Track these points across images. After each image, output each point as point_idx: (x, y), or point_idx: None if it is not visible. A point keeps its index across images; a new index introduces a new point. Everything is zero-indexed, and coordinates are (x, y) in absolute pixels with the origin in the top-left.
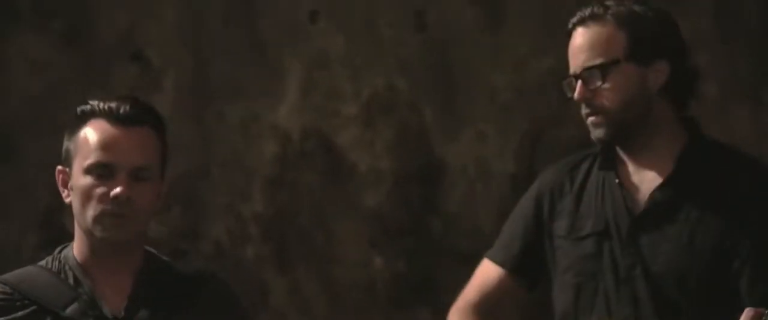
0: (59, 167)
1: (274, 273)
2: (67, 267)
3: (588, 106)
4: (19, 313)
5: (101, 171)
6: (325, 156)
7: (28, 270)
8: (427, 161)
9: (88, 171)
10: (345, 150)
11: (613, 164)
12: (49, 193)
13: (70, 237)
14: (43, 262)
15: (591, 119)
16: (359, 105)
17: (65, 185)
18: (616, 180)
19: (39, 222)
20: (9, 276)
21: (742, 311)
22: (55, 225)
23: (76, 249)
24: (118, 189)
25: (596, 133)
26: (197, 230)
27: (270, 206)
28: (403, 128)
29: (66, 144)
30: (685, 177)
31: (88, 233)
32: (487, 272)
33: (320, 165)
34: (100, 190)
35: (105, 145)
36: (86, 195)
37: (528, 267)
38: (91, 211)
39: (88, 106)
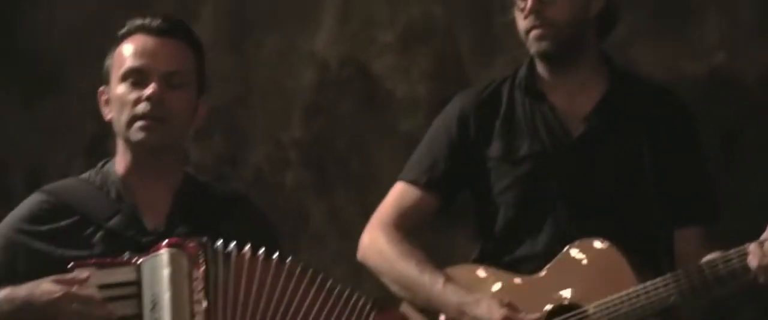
0: (101, 88)
1: (313, 198)
2: (109, 181)
3: (537, 17)
4: (62, 223)
5: (135, 77)
6: (362, 83)
7: (71, 181)
8: (462, 87)
9: (122, 78)
10: (382, 77)
11: (539, 89)
12: (94, 122)
13: None
14: (85, 175)
15: (535, 32)
16: (396, 32)
17: (107, 104)
18: (547, 104)
19: (85, 150)
20: (52, 186)
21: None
22: (101, 153)
23: (118, 163)
24: (149, 90)
25: (540, 46)
26: (237, 157)
27: (308, 132)
28: (439, 55)
29: (106, 63)
30: (614, 101)
31: (127, 142)
32: (404, 193)
33: (357, 92)
34: (134, 95)
35: (138, 53)
36: (122, 102)
37: (448, 188)
38: (127, 116)
39: (126, 27)
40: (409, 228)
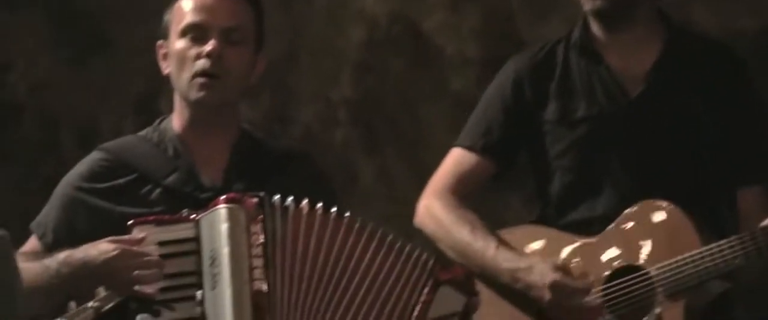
0: (159, 42)
1: (362, 156)
2: (166, 138)
3: None
4: (121, 181)
5: (194, 32)
6: (411, 40)
7: (128, 139)
8: (513, 46)
9: (182, 34)
10: (432, 34)
11: (595, 49)
12: (144, 79)
13: None
14: (142, 133)
15: None
16: None
17: (165, 58)
18: (603, 65)
19: (135, 108)
20: (110, 144)
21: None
22: (150, 111)
23: (176, 120)
24: (209, 46)
25: (595, 4)
26: (287, 115)
27: (358, 90)
28: (490, 12)
29: (165, 18)
30: (672, 60)
31: (185, 98)
32: (460, 158)
33: (407, 50)
34: (193, 51)
35: (198, 8)
36: (181, 58)
37: (505, 153)
38: (186, 73)
39: None
40: (466, 194)
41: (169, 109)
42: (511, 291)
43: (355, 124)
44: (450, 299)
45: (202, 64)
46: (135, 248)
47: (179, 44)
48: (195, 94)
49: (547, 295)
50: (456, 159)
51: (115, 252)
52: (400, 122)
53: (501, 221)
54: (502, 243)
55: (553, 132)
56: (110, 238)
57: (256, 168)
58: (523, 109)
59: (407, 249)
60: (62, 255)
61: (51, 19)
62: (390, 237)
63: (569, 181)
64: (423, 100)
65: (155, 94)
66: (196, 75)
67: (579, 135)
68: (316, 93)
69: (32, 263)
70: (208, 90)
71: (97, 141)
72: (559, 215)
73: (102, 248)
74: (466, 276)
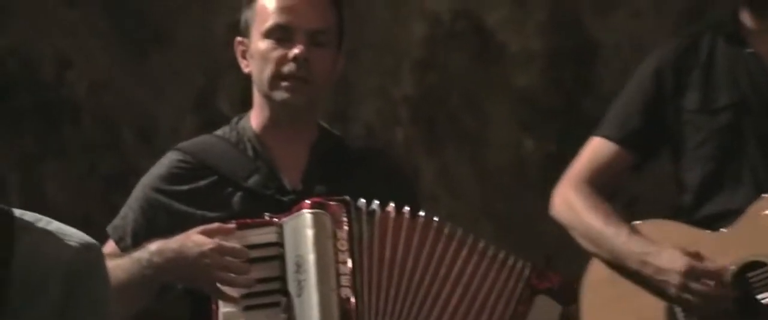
0: (238, 38)
1: (423, 155)
2: (245, 138)
3: None
4: (201, 183)
5: (280, 34)
6: (474, 36)
7: (206, 139)
8: (579, 40)
9: (266, 35)
10: (495, 30)
11: (742, 36)
12: (203, 76)
13: (225, 119)
14: (220, 132)
15: None
16: None
17: (244, 55)
18: (750, 50)
19: (194, 105)
20: (188, 144)
21: None
22: (209, 108)
23: (254, 119)
24: (296, 50)
25: None
26: (347, 112)
27: (419, 88)
28: (555, 6)
29: (244, 14)
30: None
31: (267, 99)
32: (599, 149)
33: (470, 46)
34: (278, 53)
35: (283, 8)
36: (265, 59)
37: (645, 144)
38: (270, 75)
39: None
40: (602, 185)
41: (228, 106)
42: (640, 277)
43: (417, 122)
44: (546, 309)
45: (289, 67)
46: (229, 245)
47: (263, 45)
48: (281, 96)
49: (675, 279)
50: (594, 148)
51: (210, 246)
52: (462, 120)
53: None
54: (634, 230)
55: (693, 121)
56: (200, 228)
57: (337, 169)
58: (664, 99)
59: (501, 256)
60: (154, 246)
61: (110, 15)
62: (482, 244)
63: (708, 171)
64: (486, 97)
65: (214, 91)
66: (282, 77)
67: (720, 123)
68: (376, 90)
69: (121, 259)
70: (294, 93)
71: (155, 138)
72: (696, 206)
73: (197, 240)
74: (563, 285)
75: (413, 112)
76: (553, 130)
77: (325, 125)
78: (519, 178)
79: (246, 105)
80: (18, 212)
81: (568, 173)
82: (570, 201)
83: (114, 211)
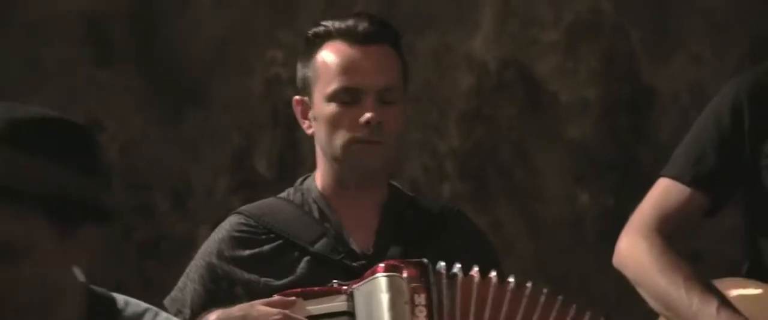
0: (297, 97)
1: (473, 211)
2: (310, 200)
3: None
4: (266, 247)
5: (347, 96)
6: (524, 87)
7: (269, 202)
8: (635, 88)
9: (332, 97)
10: (545, 80)
11: None
12: (239, 135)
13: (262, 180)
14: (284, 194)
15: None
16: (560, 31)
17: (305, 116)
18: None
19: (230, 165)
20: (251, 207)
21: None
22: (245, 168)
23: (320, 180)
24: (368, 115)
25: None
26: (391, 168)
27: (467, 141)
28: (608, 53)
29: (302, 71)
30: None
31: (337, 163)
32: (667, 191)
33: (519, 97)
34: (348, 117)
35: (348, 68)
36: (333, 124)
37: (719, 186)
38: (341, 140)
39: (321, 28)
40: (672, 231)
41: (265, 166)
42: None
43: (465, 177)
44: None
45: (362, 132)
46: (295, 317)
47: (329, 108)
48: (353, 161)
49: None
50: (662, 191)
51: (277, 317)
52: (512, 174)
53: None
54: (725, 302)
55: None
56: (264, 301)
57: (410, 230)
58: (741, 138)
59: None
60: (215, 314)
61: (142, 74)
62: (589, 315)
63: None
64: (537, 150)
65: (251, 150)
66: (354, 141)
67: None
68: (421, 144)
69: None
70: (371, 157)
71: (190, 200)
72: None
73: (262, 310)
74: None
75: (461, 167)
76: (609, 183)
77: (395, 183)
78: (574, 234)
79: (284, 164)
80: (121, 301)
81: (634, 219)
82: (640, 257)
83: (147, 278)
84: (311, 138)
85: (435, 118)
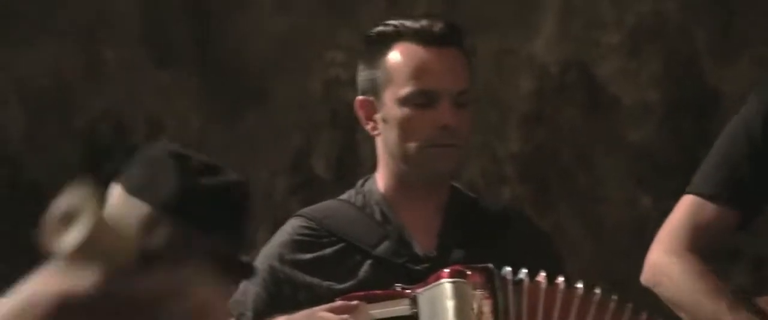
0: (360, 98)
1: (533, 214)
2: (372, 202)
3: None
4: (327, 250)
5: (422, 99)
6: (586, 89)
7: (331, 204)
8: (699, 91)
9: (406, 100)
10: (608, 82)
11: None
12: (299, 135)
13: (320, 181)
14: (345, 196)
15: None
16: (623, 33)
17: (370, 117)
18: None
19: (289, 165)
20: (311, 210)
21: None
22: (305, 168)
23: (382, 182)
24: (445, 119)
25: None
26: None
27: (527, 144)
28: (671, 55)
29: (368, 72)
30: None
31: (406, 165)
32: (697, 208)
33: (581, 100)
34: (422, 121)
35: (424, 70)
36: (407, 127)
37: (752, 201)
38: (414, 143)
39: (390, 28)
40: (701, 249)
41: (324, 167)
42: None
43: (525, 181)
44: None
45: (438, 136)
46: None
47: (402, 111)
48: (427, 165)
49: None
50: (690, 208)
51: None
52: (574, 178)
53: None
54: None
55: None
56: (326, 306)
57: (473, 233)
58: None
59: None
60: None
61: (203, 75)
62: None
63: None
64: (599, 153)
65: (310, 150)
66: (430, 145)
67: None
68: (481, 147)
69: None
70: (444, 160)
71: (249, 200)
72: None
73: (324, 316)
74: None
75: (521, 170)
76: (672, 187)
77: (457, 184)
78: (637, 238)
79: (342, 166)
80: None
81: (665, 237)
82: (676, 277)
83: None
84: (371, 139)
85: (495, 121)
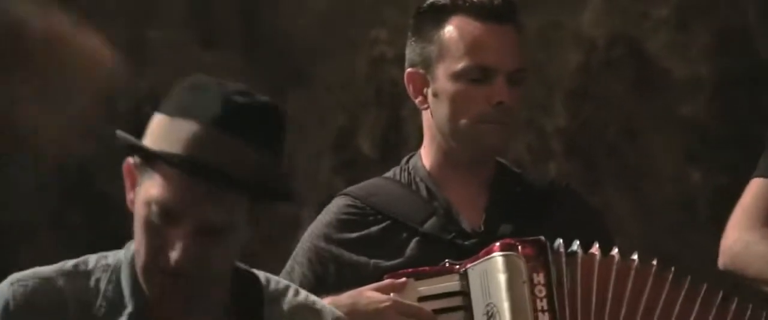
0: (410, 70)
1: (580, 191)
2: (417, 179)
3: None
4: (373, 228)
5: (478, 74)
6: (634, 64)
7: (376, 182)
8: (750, 63)
9: (460, 75)
10: (657, 56)
11: None
12: (343, 115)
13: (365, 160)
14: (389, 174)
15: None
16: (672, 6)
17: (419, 91)
18: None
19: (333, 144)
20: (357, 188)
21: None
22: (349, 147)
23: (427, 158)
24: (500, 96)
25: None
26: None
27: (574, 120)
28: (723, 28)
29: (420, 45)
30: None
31: (455, 141)
32: (763, 192)
33: (629, 74)
34: (476, 96)
35: (481, 46)
36: (460, 102)
37: None
38: (467, 119)
39: (447, 0)
40: None
41: (369, 146)
42: None
43: (572, 156)
44: None
45: (492, 112)
46: (406, 302)
47: (455, 86)
48: (483, 142)
49: None
50: (758, 192)
51: (387, 303)
52: (622, 154)
53: None
54: None
55: None
56: (373, 285)
57: (520, 207)
58: None
59: (749, 312)
60: (325, 301)
61: (247, 55)
62: (720, 297)
63: None
64: (648, 129)
65: (354, 130)
66: (483, 121)
67: None
68: (527, 123)
69: None
70: (496, 136)
71: (293, 181)
72: None
73: (372, 297)
74: None
75: (568, 146)
76: (723, 161)
77: (502, 160)
78: (686, 214)
79: (387, 144)
80: (263, 277)
81: (740, 219)
82: (763, 252)
83: (252, 261)
84: (416, 117)
85: (541, 97)
